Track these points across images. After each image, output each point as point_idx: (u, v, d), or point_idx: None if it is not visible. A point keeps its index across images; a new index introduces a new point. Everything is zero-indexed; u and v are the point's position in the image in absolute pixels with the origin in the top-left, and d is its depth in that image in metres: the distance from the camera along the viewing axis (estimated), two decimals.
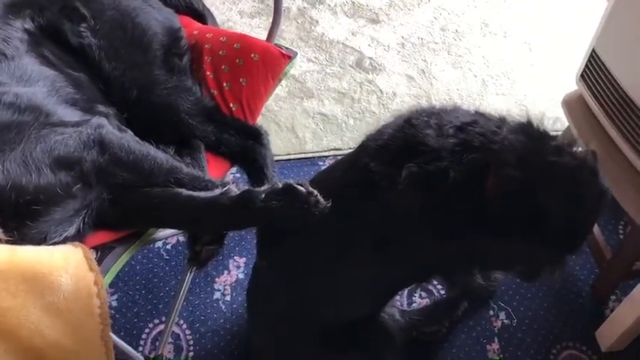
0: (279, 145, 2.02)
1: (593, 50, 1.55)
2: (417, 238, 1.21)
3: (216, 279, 1.74)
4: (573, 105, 1.68)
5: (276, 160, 1.58)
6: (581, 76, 1.62)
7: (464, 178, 1.15)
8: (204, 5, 1.63)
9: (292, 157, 2.02)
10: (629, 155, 1.48)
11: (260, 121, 1.46)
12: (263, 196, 1.10)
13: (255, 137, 1.37)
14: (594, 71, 1.56)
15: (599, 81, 1.54)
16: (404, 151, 1.19)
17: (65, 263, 0.94)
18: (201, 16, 1.61)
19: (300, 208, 1.10)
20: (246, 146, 1.36)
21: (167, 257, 1.77)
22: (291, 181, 1.12)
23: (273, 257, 1.35)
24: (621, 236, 1.80)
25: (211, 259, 1.22)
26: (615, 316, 1.58)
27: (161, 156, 1.18)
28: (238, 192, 1.13)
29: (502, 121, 1.21)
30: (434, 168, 1.16)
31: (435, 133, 1.19)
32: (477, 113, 1.23)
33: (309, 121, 2.12)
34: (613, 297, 1.69)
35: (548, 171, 1.13)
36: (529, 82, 2.26)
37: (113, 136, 1.13)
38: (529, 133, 1.18)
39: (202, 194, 1.15)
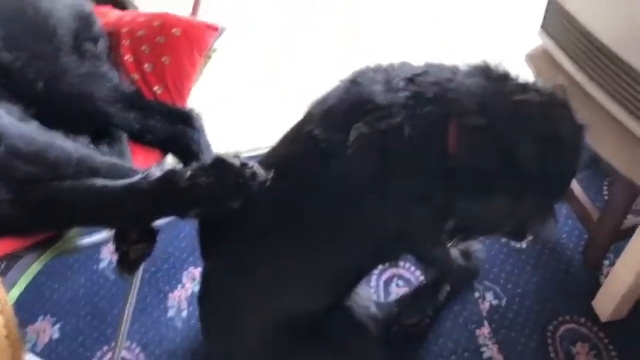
0: None
1: None
2: (377, 209, 1.06)
3: (170, 294, 1.56)
4: (538, 60, 1.55)
5: None
6: (542, 27, 1.50)
7: (422, 134, 1.01)
8: None
9: None
10: (605, 103, 1.35)
11: None
12: (189, 173, 0.94)
13: (186, 121, 1.21)
14: (556, 18, 1.43)
15: (562, 28, 1.42)
16: (351, 113, 1.04)
17: None
18: (120, 3, 1.46)
19: (234, 184, 0.94)
20: (175, 132, 1.20)
21: (114, 278, 1.59)
22: (222, 154, 0.96)
23: (218, 255, 1.18)
24: (606, 197, 1.66)
25: (142, 260, 1.05)
26: (610, 281, 1.43)
27: (69, 145, 1.01)
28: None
29: (456, 68, 1.07)
30: (386, 126, 1.01)
31: (383, 88, 1.05)
32: (428, 64, 1.09)
33: None
34: (606, 262, 1.54)
35: (516, 111, 0.99)
36: (489, 45, 2.14)
37: (11, 126, 0.97)
38: (488, 75, 1.04)
39: (120, 181, 0.98)
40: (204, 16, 2.33)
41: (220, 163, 0.94)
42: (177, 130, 1.19)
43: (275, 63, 2.17)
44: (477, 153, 0.99)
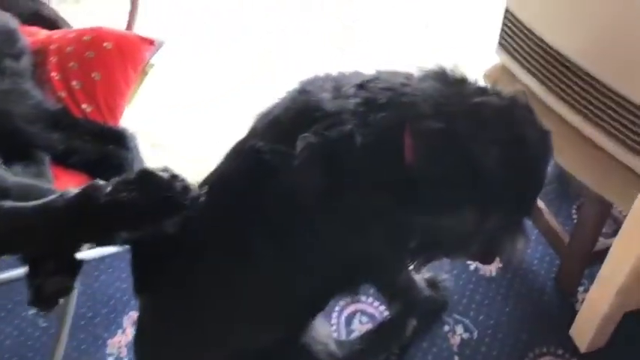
0: None
1: (507, 11, 1.39)
2: (328, 229, 0.95)
3: (109, 341, 1.40)
4: (496, 78, 1.49)
5: None
6: (500, 44, 1.45)
7: (375, 142, 0.91)
8: (56, 13, 1.38)
9: None
10: (568, 117, 1.29)
11: None
12: (110, 188, 0.82)
13: (119, 141, 1.09)
14: (513, 34, 1.38)
15: (520, 43, 1.37)
16: (298, 123, 0.95)
17: None
18: (53, 24, 1.35)
19: (161, 199, 0.82)
20: (106, 152, 1.07)
21: (45, 325, 1.42)
22: (149, 167, 0.85)
23: (153, 289, 1.05)
24: (576, 221, 1.58)
25: (60, 295, 0.90)
26: (586, 308, 1.33)
27: None
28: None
29: (409, 74, 1.00)
30: (336, 134, 0.92)
31: (332, 95, 0.96)
32: (379, 71, 1.01)
33: None
34: (580, 288, 1.45)
35: (475, 115, 0.91)
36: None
37: None
38: (444, 79, 0.96)
39: (33, 202, 0.85)
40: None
41: (146, 175, 0.83)
42: (108, 151, 1.08)
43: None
44: (435, 161, 0.90)
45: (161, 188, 0.82)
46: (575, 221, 1.58)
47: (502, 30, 1.43)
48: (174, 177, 0.84)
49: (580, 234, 1.38)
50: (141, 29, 1.33)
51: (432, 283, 1.41)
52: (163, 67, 1.92)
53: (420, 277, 1.39)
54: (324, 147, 0.91)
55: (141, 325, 1.10)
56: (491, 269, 1.49)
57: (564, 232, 1.43)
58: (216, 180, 1.01)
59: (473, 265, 1.50)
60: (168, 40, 1.24)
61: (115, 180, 0.83)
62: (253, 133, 1.00)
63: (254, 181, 0.95)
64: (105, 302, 1.46)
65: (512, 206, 0.93)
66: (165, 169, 0.85)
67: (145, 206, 0.82)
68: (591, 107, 1.22)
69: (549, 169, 1.01)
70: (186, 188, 0.84)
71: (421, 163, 0.90)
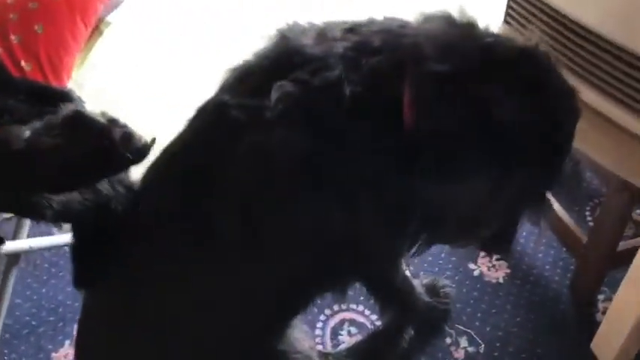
0: None
1: None
2: (309, 200, 0.77)
3: (53, 354, 1.19)
4: None
5: None
6: (505, 21, 1.30)
7: (368, 92, 0.74)
8: None
9: None
10: (586, 94, 1.13)
11: None
12: (28, 132, 0.64)
13: (61, 102, 0.92)
14: (520, 7, 1.24)
15: (528, 15, 1.22)
16: (274, 71, 0.78)
17: None
18: None
19: (95, 149, 0.64)
20: (42, 114, 0.89)
21: None
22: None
23: (99, 284, 0.86)
24: (591, 224, 1.41)
25: None
26: (611, 318, 1.15)
27: None
28: None
29: (408, 21, 0.84)
30: (320, 82, 0.75)
31: (316, 40, 0.80)
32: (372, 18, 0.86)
33: None
34: (601, 296, 1.27)
35: (488, 57, 0.74)
36: None
37: None
38: (450, 21, 0.80)
39: None
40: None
41: (77, 118, 0.65)
42: (46, 113, 0.89)
43: None
44: (440, 112, 0.73)
45: (93, 134, 0.64)
46: (590, 224, 1.40)
47: (508, 5, 1.28)
48: (113, 121, 0.66)
49: (600, 233, 1.20)
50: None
51: (432, 289, 1.23)
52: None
53: (419, 281, 1.21)
54: (304, 98, 0.74)
55: (84, 324, 0.90)
56: (498, 275, 1.31)
57: (580, 230, 1.26)
58: (172, 146, 0.83)
59: (477, 269, 1.32)
60: None
61: (36, 123, 0.65)
62: (222, 87, 0.83)
63: (217, 145, 0.78)
64: (52, 310, 1.26)
65: (534, 172, 0.76)
66: (104, 114, 0.67)
67: (72, 157, 0.64)
68: (602, 74, 1.07)
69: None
70: (128, 136, 0.66)
71: (423, 115, 0.73)
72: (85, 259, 0.87)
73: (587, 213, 1.44)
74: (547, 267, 1.32)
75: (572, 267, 1.31)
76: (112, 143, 0.65)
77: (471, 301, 1.26)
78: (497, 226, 0.82)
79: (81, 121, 0.65)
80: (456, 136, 0.73)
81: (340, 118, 0.74)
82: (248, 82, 0.80)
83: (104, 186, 0.78)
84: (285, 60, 0.78)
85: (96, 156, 0.65)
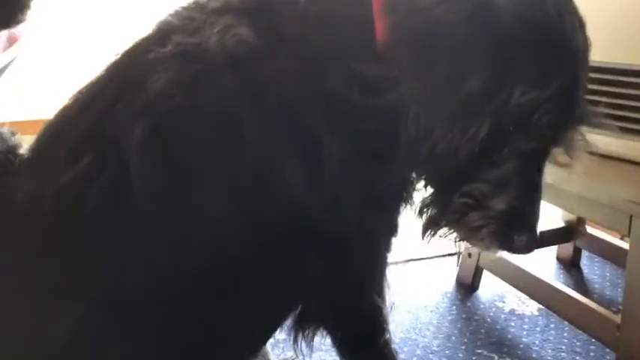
0: None
1: None
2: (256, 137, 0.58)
3: None
4: None
5: None
6: None
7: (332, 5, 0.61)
8: None
9: None
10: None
11: None
12: None
13: None
14: None
15: None
16: None
17: None
18: None
19: None
20: None
21: None
22: None
23: None
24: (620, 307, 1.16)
25: None
26: None
27: None
28: None
29: None
30: None
31: None
32: None
33: None
34: None
35: None
36: None
37: None
38: None
39: None
40: None
41: None
42: None
43: None
44: (421, 18, 0.57)
45: None
46: (620, 307, 1.16)
47: None
48: None
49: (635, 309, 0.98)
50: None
51: None
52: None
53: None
54: None
55: None
56: None
57: (609, 307, 1.02)
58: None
59: None
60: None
61: None
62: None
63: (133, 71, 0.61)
64: None
65: (534, 78, 0.57)
66: None
67: None
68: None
69: None
70: None
71: (399, 22, 0.57)
72: None
73: (596, 266, 1.20)
74: None
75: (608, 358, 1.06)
76: None
77: None
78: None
79: None
80: (441, 44, 0.56)
81: (292, 26, 0.59)
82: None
83: None
84: None
85: None
